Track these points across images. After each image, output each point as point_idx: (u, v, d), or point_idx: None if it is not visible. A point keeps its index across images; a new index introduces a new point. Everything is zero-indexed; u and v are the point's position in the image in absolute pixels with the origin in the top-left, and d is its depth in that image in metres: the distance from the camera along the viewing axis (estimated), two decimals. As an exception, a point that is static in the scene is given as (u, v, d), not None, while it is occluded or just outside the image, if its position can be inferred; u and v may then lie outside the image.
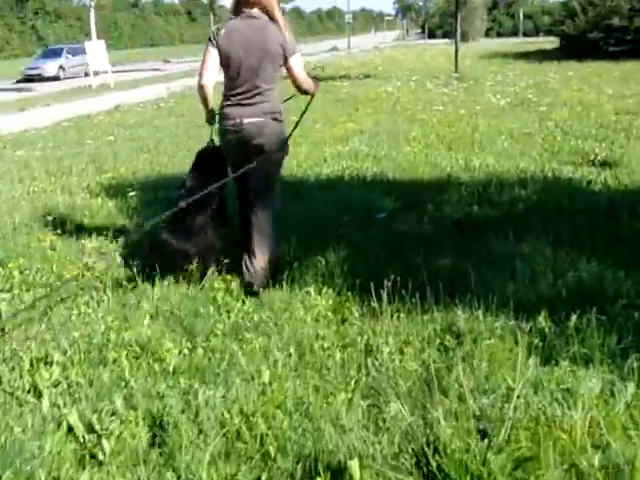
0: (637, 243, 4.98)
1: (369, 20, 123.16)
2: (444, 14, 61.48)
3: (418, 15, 74.36)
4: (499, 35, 67.31)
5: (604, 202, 6.06)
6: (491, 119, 11.45)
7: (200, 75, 4.45)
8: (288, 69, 4.46)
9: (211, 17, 39.05)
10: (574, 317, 3.66)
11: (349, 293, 4.41)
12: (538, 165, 7.98)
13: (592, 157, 8.44)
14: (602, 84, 15.90)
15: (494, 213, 6.04)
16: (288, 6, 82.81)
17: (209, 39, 4.45)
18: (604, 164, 8.19)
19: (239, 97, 4.40)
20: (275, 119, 4.43)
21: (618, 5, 23.05)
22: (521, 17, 65.69)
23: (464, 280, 4.26)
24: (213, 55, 4.42)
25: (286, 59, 4.41)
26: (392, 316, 3.90)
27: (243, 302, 4.40)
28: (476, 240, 5.35)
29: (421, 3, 70.39)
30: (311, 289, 4.51)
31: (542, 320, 3.76)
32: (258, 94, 4.37)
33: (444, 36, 58.37)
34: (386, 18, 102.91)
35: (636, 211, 5.87)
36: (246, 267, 4.56)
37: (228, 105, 4.45)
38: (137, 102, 18.55)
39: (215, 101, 4.55)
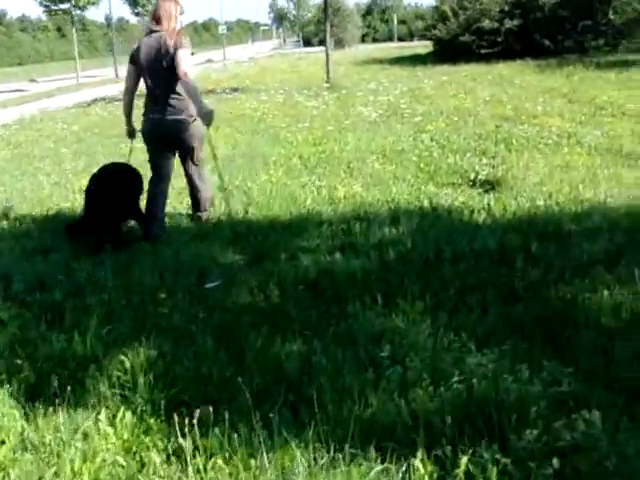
0: (538, 302, 3.83)
1: (246, 30, 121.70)
2: (319, 22, 60.97)
3: (293, 24, 73.61)
4: (375, 41, 67.48)
5: (492, 242, 4.92)
6: (362, 134, 10.34)
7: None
8: None
9: (73, 32, 36.54)
10: (464, 459, 2.41)
11: (154, 419, 3.02)
12: (413, 191, 6.84)
13: (473, 176, 7.44)
14: (477, 88, 15.23)
15: (359, 264, 4.79)
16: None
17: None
18: (486, 184, 7.18)
19: None
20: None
21: (488, 8, 22.70)
22: (395, 22, 66.09)
23: (309, 397, 2.94)
24: None
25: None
26: (205, 465, 2.57)
27: None
28: (336, 306, 4.07)
29: (294, 12, 69.60)
30: (102, 414, 3.09)
31: (419, 464, 2.49)
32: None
33: (320, 44, 57.75)
34: (262, 28, 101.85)
35: (529, 251, 4.76)
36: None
37: None
38: (-24, 131, 16.41)
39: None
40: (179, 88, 5.58)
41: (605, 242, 4.80)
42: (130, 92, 5.96)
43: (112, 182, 5.75)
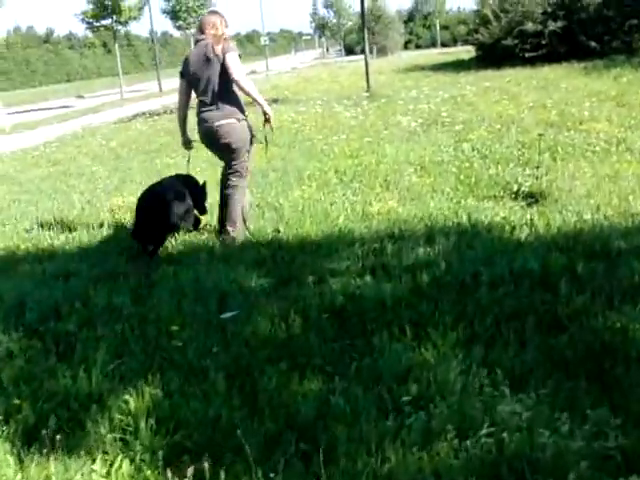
0: (583, 332, 3.46)
1: (289, 40, 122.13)
2: (360, 30, 60.78)
3: (334, 32, 73.49)
4: (417, 47, 66.87)
5: (533, 263, 4.54)
6: (400, 145, 9.99)
7: None
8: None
9: (116, 47, 36.99)
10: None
11: (151, 470, 2.78)
12: (451, 205, 6.48)
13: (515, 188, 7.04)
14: (522, 94, 14.72)
15: (390, 288, 4.46)
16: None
17: None
18: (530, 197, 6.78)
19: None
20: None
21: (530, 10, 22.12)
22: (437, 28, 65.49)
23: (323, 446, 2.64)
24: None
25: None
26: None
27: None
28: (361, 338, 3.77)
29: (335, 21, 69.48)
30: (97, 462, 2.84)
31: None
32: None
33: (362, 52, 57.55)
34: (305, 37, 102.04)
35: (575, 272, 4.38)
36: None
37: None
38: (20, 148, 16.57)
39: None
40: (228, 93, 5.73)
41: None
42: (183, 107, 6.13)
43: (165, 195, 5.84)
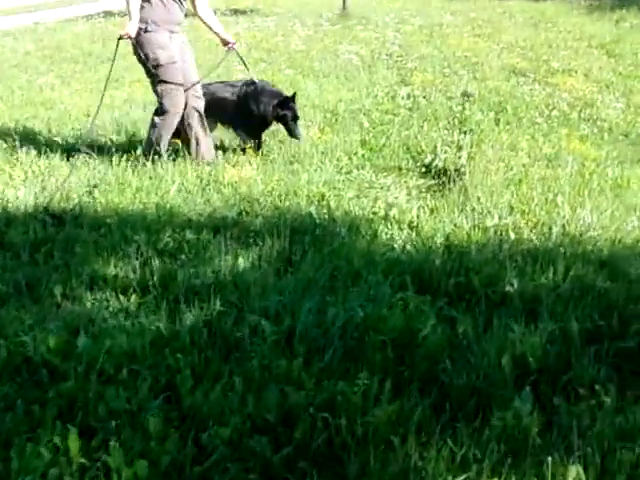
0: None
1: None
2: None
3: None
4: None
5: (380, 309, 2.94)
6: (330, 82, 8.21)
7: None
8: None
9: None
10: None
11: None
12: (333, 179, 4.84)
13: (429, 159, 5.33)
14: (506, 30, 12.77)
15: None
16: None
17: None
18: (442, 174, 5.13)
19: None
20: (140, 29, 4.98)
21: None
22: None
23: None
24: None
25: None
26: None
27: None
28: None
29: None
30: None
31: None
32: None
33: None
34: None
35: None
36: None
37: None
38: None
39: None
40: None
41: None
42: None
43: None
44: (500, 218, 4.18)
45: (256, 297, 3.23)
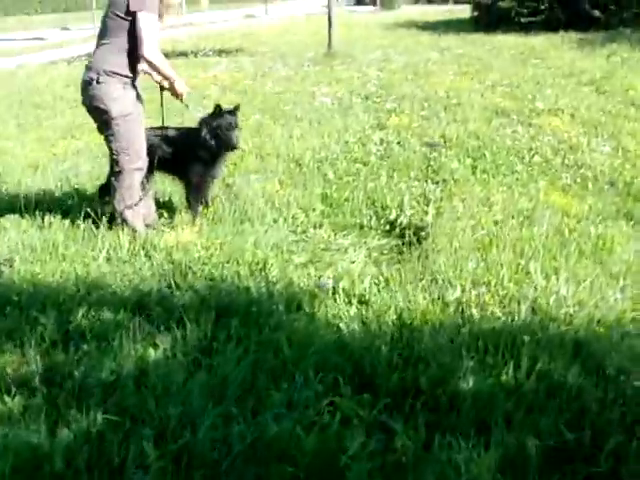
0: None
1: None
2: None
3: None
4: (430, 2, 63.18)
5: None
6: (300, 128, 7.69)
7: None
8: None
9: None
10: None
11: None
12: (287, 241, 4.34)
13: (394, 215, 4.85)
14: (493, 67, 12.36)
15: None
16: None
17: None
18: (407, 234, 4.60)
19: None
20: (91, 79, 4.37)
21: (531, -31, 19.42)
22: (453, -17, 61.78)
23: None
24: None
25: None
26: None
27: None
28: None
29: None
30: None
31: None
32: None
33: (374, 3, 54.21)
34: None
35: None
36: None
37: None
38: None
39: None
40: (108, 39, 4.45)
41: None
42: None
43: None
44: (463, 291, 3.63)
45: (160, 401, 2.68)
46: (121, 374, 2.93)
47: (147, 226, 4.73)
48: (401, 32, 22.28)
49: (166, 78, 4.52)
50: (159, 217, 4.92)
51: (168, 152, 4.78)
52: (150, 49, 4.35)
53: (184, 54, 16.25)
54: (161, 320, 3.42)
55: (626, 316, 3.35)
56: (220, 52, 16.71)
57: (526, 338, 2.94)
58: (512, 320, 3.32)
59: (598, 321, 3.28)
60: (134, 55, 4.44)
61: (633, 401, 2.58)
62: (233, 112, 4.76)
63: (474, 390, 2.70)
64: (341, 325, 3.42)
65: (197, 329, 3.26)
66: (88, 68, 4.52)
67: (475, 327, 3.25)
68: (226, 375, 2.86)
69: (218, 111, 4.72)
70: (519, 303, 3.47)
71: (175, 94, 4.64)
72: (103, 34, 4.50)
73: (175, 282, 3.90)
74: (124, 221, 4.62)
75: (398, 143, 6.86)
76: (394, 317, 3.45)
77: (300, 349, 3.07)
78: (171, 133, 4.90)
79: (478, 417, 2.57)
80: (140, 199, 4.65)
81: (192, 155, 4.77)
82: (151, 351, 3.05)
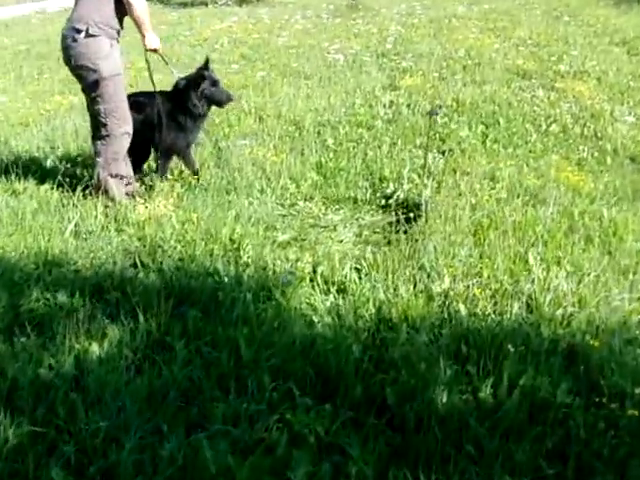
0: None
1: None
2: None
3: None
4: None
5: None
6: (306, 85, 7.27)
7: None
8: None
9: None
10: None
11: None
12: (274, 212, 4.04)
13: (391, 189, 4.45)
14: (522, 23, 11.65)
15: None
16: None
17: None
18: (402, 210, 4.24)
19: None
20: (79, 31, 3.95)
21: None
22: None
23: None
24: None
25: None
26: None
27: None
28: None
29: None
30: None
31: None
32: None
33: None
34: None
35: None
36: None
37: None
38: None
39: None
40: None
41: None
42: None
43: None
44: (453, 280, 3.27)
45: (92, 410, 2.39)
46: (60, 372, 2.64)
47: (126, 194, 4.42)
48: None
49: (139, 28, 4.14)
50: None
51: (139, 119, 4.43)
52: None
53: (204, 3, 15.77)
54: (116, 308, 3.11)
55: (632, 319, 2.97)
56: (241, 1, 16.16)
57: (511, 348, 2.58)
58: (502, 319, 2.96)
59: (599, 325, 2.90)
60: (122, 5, 4.08)
61: (627, 431, 2.23)
62: (206, 67, 4.42)
63: (446, 409, 2.36)
64: (314, 318, 3.09)
65: (152, 320, 2.94)
66: (73, 20, 4.15)
67: (459, 327, 2.90)
68: (170, 380, 2.55)
69: (199, 73, 4.38)
70: (512, 298, 3.10)
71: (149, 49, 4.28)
72: None
73: (141, 261, 3.59)
74: (105, 190, 4.31)
75: (408, 106, 6.40)
76: (373, 310, 3.11)
77: (260, 349, 2.75)
78: (142, 98, 4.55)
79: (446, 442, 2.23)
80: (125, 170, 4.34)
81: (170, 121, 4.43)
82: (94, 347, 2.75)
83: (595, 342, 2.65)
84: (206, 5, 15.46)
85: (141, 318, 2.94)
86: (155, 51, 4.30)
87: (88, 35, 3.99)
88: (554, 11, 13.31)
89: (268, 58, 8.87)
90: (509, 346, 2.59)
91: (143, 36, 4.17)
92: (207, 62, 4.44)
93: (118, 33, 4.14)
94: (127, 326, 2.93)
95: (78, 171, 4.86)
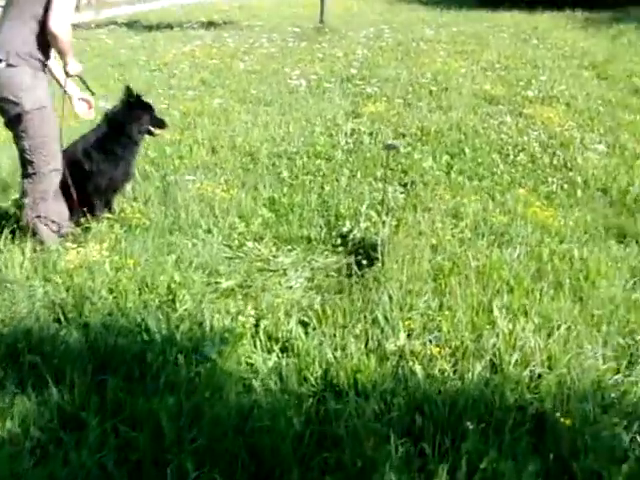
0: None
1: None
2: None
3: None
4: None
5: None
6: (264, 113, 6.96)
7: None
8: None
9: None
10: None
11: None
12: (219, 253, 3.71)
13: (347, 228, 4.15)
14: (490, 46, 11.54)
15: None
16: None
17: None
18: (358, 251, 3.93)
19: None
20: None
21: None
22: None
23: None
24: None
25: None
26: None
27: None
28: None
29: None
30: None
31: None
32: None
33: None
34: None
35: None
36: None
37: None
38: None
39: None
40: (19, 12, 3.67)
41: None
42: None
43: None
44: (409, 337, 2.94)
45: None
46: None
47: (60, 236, 4.04)
48: (401, 6, 21.33)
49: (62, 56, 3.78)
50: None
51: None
52: (60, 20, 3.62)
53: (169, 26, 15.46)
54: (30, 374, 2.74)
55: (606, 381, 2.65)
56: (208, 25, 15.87)
57: (471, 426, 2.25)
58: (462, 382, 2.62)
59: (569, 386, 2.59)
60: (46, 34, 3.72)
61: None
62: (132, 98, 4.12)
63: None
64: (254, 382, 2.73)
65: (65, 391, 2.57)
66: None
67: (414, 393, 2.56)
68: (77, 467, 2.18)
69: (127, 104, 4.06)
70: (474, 357, 2.77)
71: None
72: (11, 4, 3.77)
73: (66, 316, 3.21)
74: (33, 232, 3.93)
75: (370, 134, 6.11)
76: (319, 372, 2.76)
77: (185, 426, 2.39)
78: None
79: None
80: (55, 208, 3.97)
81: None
82: (-7, 426, 2.37)
83: (566, 420, 2.31)
84: (171, 28, 15.15)
85: (54, 390, 2.56)
86: (78, 77, 3.96)
87: (9, 65, 3.63)
88: (522, 34, 13.22)
89: (229, 84, 8.56)
90: (468, 423, 2.25)
91: (66, 63, 3.82)
92: (130, 92, 4.13)
93: (43, 64, 3.78)
94: (39, 398, 2.55)
95: (7, 211, 4.49)
